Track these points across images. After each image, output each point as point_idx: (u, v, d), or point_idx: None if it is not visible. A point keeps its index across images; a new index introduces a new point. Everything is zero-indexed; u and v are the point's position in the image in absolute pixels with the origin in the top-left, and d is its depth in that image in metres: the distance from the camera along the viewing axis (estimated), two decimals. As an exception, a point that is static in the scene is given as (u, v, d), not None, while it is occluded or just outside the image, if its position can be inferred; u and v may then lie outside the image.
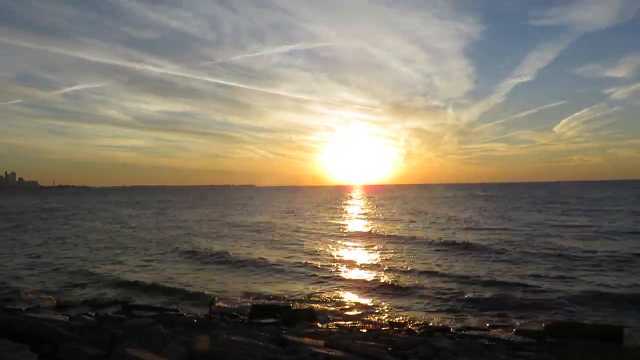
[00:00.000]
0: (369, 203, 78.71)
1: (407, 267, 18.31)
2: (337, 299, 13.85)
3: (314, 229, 35.26)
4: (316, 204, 71.73)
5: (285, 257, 21.20)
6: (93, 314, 11.37)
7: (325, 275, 17.40)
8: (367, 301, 13.57)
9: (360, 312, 12.43)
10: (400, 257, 20.92)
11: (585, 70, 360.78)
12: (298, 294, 14.43)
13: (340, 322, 11.41)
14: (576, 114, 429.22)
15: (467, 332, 10.31)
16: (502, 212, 46.98)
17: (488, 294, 13.79)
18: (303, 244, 26.12)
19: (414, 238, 27.35)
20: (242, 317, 11.86)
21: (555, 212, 45.75)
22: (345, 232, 32.80)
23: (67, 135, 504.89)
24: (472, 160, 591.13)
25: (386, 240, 27.10)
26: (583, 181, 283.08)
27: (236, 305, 13.10)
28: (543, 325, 10.50)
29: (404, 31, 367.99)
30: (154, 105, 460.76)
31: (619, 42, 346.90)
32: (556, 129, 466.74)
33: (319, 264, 19.51)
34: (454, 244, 24.22)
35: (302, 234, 31.30)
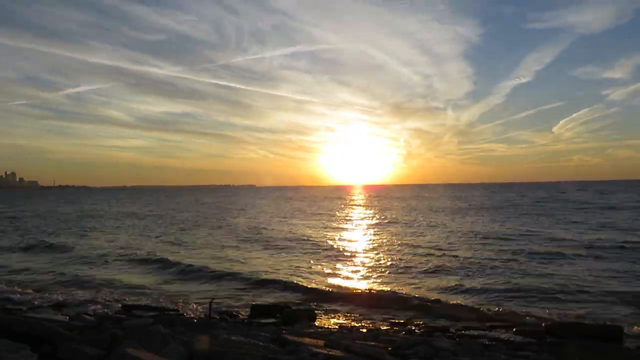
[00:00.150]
0: (372, 208, 78.44)
1: (407, 267, 18.34)
2: (337, 299, 13.85)
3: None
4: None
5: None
6: (93, 314, 11.37)
7: (325, 275, 17.41)
8: (367, 301, 13.57)
9: (360, 312, 12.43)
10: (401, 258, 20.91)
11: (582, 72, 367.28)
12: (297, 298, 14.44)
13: (340, 322, 11.42)
14: (574, 114, 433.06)
15: (467, 332, 10.30)
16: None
17: (488, 294, 13.80)
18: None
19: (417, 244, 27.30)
20: (242, 317, 11.86)
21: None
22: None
23: (68, 136, 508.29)
24: (471, 161, 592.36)
25: (388, 243, 27.08)
26: (583, 181, 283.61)
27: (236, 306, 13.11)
28: (543, 325, 10.49)
29: (404, 34, 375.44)
30: (156, 106, 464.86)
31: (615, 44, 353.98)
32: (555, 129, 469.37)
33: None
34: (455, 245, 24.21)
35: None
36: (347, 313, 12.40)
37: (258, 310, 11.96)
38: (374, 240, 27.99)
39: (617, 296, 13.18)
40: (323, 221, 42.05)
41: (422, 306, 12.75)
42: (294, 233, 31.64)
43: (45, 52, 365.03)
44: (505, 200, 74.96)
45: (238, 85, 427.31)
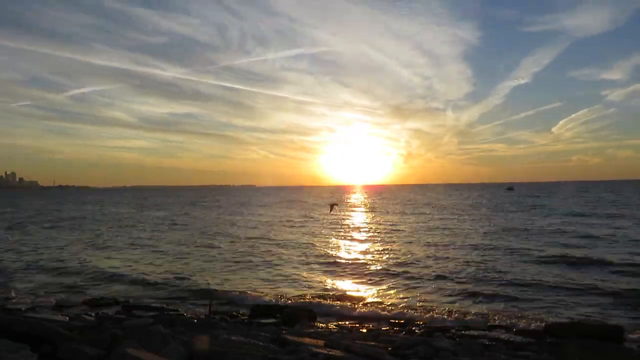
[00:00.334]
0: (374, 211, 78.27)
1: (408, 268, 18.34)
2: (337, 299, 13.84)
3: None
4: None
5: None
6: (93, 314, 11.37)
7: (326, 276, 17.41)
8: (367, 301, 13.57)
9: (360, 312, 12.43)
10: (401, 258, 20.90)
11: (580, 74, 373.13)
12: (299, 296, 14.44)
13: (340, 322, 11.41)
14: (573, 115, 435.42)
15: (467, 332, 10.30)
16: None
17: (488, 294, 13.80)
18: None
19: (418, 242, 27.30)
20: (242, 317, 11.86)
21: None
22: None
23: (71, 136, 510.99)
24: (471, 161, 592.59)
25: (388, 243, 27.08)
26: (583, 181, 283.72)
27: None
28: (543, 325, 10.49)
29: (404, 37, 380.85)
30: (159, 107, 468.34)
31: (612, 46, 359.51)
32: (555, 129, 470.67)
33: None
34: (459, 246, 24.22)
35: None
36: (347, 313, 12.39)
37: (258, 311, 11.96)
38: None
39: (617, 296, 13.18)
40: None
41: (422, 306, 12.76)
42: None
43: (50, 54, 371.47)
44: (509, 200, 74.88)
45: (240, 87, 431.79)
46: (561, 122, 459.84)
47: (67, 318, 10.08)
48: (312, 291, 14.85)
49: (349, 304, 13.30)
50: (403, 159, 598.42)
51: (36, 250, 24.88)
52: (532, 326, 10.72)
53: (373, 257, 21.53)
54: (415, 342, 8.13)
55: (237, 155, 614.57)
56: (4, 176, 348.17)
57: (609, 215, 39.28)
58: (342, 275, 17.51)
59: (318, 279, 16.71)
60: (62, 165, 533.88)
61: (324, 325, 11.06)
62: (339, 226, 37.39)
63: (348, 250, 24.09)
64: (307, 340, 7.41)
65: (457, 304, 12.99)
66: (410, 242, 25.91)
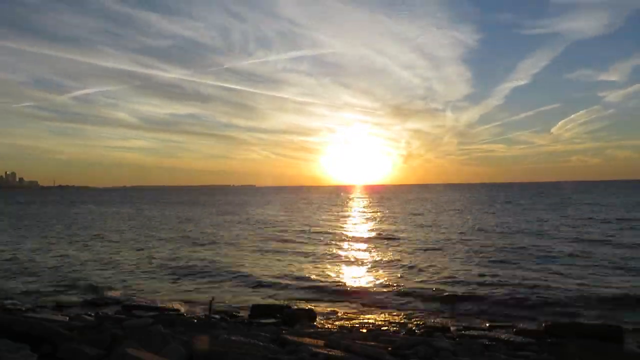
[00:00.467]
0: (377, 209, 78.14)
1: (408, 268, 18.34)
2: (337, 299, 13.85)
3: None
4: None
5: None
6: (93, 314, 11.36)
7: (326, 276, 17.42)
8: (367, 301, 13.57)
9: (360, 312, 12.43)
10: (401, 259, 20.91)
11: (578, 75, 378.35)
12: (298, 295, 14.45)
13: (340, 322, 11.41)
14: (572, 116, 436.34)
15: (467, 332, 10.30)
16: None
17: (488, 294, 13.80)
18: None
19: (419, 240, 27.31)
20: (242, 317, 11.86)
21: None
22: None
23: (72, 137, 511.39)
24: (471, 161, 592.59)
25: (388, 242, 27.09)
26: (582, 181, 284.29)
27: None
28: (543, 325, 10.49)
29: (404, 39, 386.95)
30: (161, 108, 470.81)
31: (609, 49, 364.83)
32: (554, 130, 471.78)
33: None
34: (456, 245, 24.23)
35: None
36: (347, 313, 12.40)
37: (258, 310, 11.96)
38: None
39: (616, 296, 13.17)
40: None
41: (423, 306, 12.76)
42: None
43: (55, 56, 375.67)
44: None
45: (242, 88, 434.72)
46: (560, 123, 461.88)
47: (67, 318, 10.07)
48: (312, 291, 14.85)
49: (349, 304, 13.31)
50: (403, 159, 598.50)
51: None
52: (532, 326, 10.72)
53: (373, 257, 21.53)
54: (415, 342, 8.13)
55: (238, 155, 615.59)
56: (4, 176, 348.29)
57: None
58: (342, 276, 17.50)
59: (318, 279, 16.69)
60: (62, 165, 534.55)
61: (324, 325, 11.06)
62: (339, 226, 37.39)
63: (348, 250, 24.09)
64: (307, 340, 7.42)
65: (457, 304, 12.97)
66: (415, 242, 25.90)
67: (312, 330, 9.85)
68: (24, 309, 11.87)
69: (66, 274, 17.98)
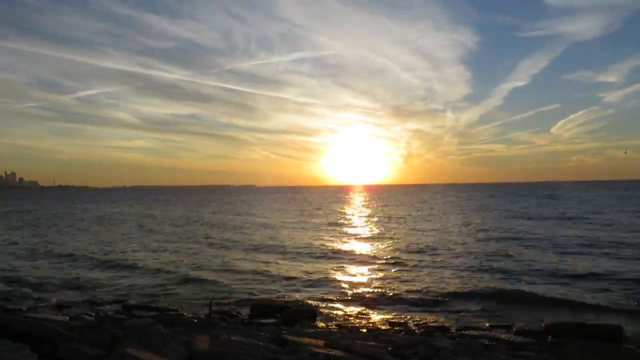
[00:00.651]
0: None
1: (408, 268, 18.34)
2: (337, 299, 13.85)
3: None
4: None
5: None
6: (93, 314, 11.36)
7: (326, 275, 17.42)
8: (367, 301, 13.58)
9: (360, 312, 12.43)
10: (401, 259, 20.91)
11: (577, 76, 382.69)
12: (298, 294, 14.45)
13: (340, 322, 11.41)
14: (572, 116, 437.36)
15: (467, 332, 10.30)
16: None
17: (488, 294, 13.81)
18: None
19: (415, 242, 27.31)
20: (242, 317, 11.86)
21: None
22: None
23: (73, 137, 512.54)
24: (471, 161, 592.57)
25: (388, 242, 27.10)
26: (582, 181, 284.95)
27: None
28: (543, 325, 10.49)
29: (404, 41, 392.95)
30: (162, 108, 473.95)
31: (607, 51, 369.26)
32: (553, 130, 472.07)
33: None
34: (454, 245, 24.23)
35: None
36: (347, 313, 12.40)
37: (258, 311, 11.95)
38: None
39: (616, 296, 13.18)
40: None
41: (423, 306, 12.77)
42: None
43: (59, 57, 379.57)
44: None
45: (243, 89, 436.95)
46: (560, 123, 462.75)
47: (67, 318, 10.08)
48: (312, 291, 14.85)
49: (349, 304, 13.31)
50: (403, 159, 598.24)
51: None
52: (532, 326, 10.72)
53: (373, 258, 21.52)
54: (415, 342, 8.12)
55: (239, 156, 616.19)
56: (4, 176, 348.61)
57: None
58: (342, 276, 17.50)
59: (318, 279, 16.69)
60: (62, 165, 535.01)
61: (324, 325, 11.06)
62: (339, 226, 37.40)
63: (348, 250, 24.08)
64: (307, 340, 7.41)
65: (457, 304, 12.98)
66: (413, 243, 25.90)
67: (312, 330, 9.84)
68: (24, 309, 11.87)
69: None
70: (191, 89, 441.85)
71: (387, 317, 11.92)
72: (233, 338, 6.64)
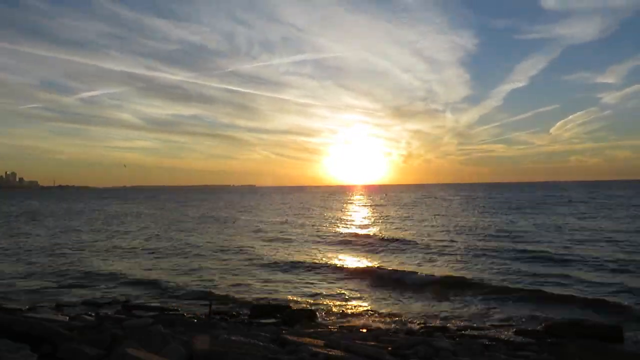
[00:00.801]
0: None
1: (408, 268, 18.35)
2: (337, 300, 13.85)
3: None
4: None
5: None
6: (93, 314, 11.36)
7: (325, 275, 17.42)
8: (367, 301, 13.58)
9: (360, 312, 12.43)
10: (400, 259, 20.91)
11: (576, 77, 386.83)
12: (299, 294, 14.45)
13: (340, 322, 11.41)
14: (571, 116, 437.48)
15: (467, 332, 10.31)
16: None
17: (488, 293, 13.81)
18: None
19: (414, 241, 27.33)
20: (242, 317, 11.86)
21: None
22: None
23: (73, 137, 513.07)
24: (471, 161, 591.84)
25: (387, 242, 27.10)
26: (582, 181, 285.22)
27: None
28: (543, 325, 10.49)
29: (404, 43, 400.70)
30: (165, 109, 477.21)
31: (605, 52, 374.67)
32: (553, 130, 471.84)
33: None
34: (454, 244, 24.24)
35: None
36: (347, 313, 12.40)
37: (258, 311, 11.96)
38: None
39: (615, 296, 13.17)
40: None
41: (423, 306, 12.76)
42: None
43: (63, 59, 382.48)
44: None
45: (245, 90, 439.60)
46: (559, 124, 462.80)
47: (67, 318, 10.07)
48: (312, 291, 14.86)
49: (349, 304, 13.31)
50: (403, 160, 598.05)
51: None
52: (532, 326, 10.72)
53: (374, 257, 21.52)
54: (415, 342, 8.13)
55: (240, 156, 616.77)
56: (4, 176, 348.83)
57: None
58: (342, 276, 17.49)
59: (318, 279, 16.69)
60: (62, 165, 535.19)
61: (324, 325, 11.06)
62: (339, 227, 37.40)
63: (348, 250, 24.09)
64: (307, 340, 7.41)
65: (457, 304, 12.98)
66: (415, 243, 25.90)
67: (312, 330, 9.84)
68: (24, 309, 11.87)
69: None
70: (194, 90, 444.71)
71: (387, 317, 11.92)
72: (233, 338, 6.63)
